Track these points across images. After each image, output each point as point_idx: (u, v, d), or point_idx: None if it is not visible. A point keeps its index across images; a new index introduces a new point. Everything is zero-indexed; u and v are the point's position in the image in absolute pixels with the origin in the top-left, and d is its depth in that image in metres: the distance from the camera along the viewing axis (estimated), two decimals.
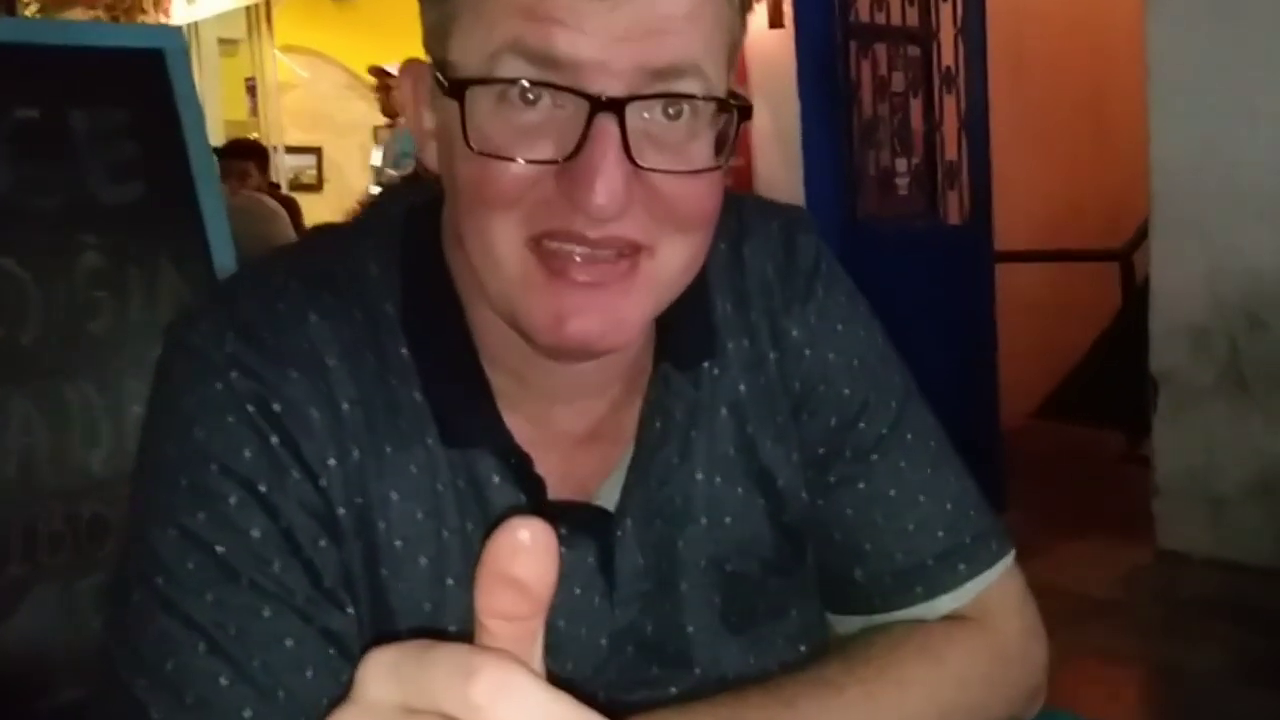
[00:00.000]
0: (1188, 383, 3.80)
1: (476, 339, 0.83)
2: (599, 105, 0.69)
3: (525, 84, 0.71)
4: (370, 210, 0.92)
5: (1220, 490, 3.75)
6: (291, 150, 9.71)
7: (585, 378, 0.85)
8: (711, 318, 0.91)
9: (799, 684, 0.86)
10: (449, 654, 0.41)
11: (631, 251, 0.74)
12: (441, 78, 0.74)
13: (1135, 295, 4.92)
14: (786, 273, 0.94)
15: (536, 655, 0.45)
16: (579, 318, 0.74)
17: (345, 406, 0.79)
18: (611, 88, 0.69)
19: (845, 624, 0.97)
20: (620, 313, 0.75)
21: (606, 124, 0.69)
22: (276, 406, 0.77)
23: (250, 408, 0.76)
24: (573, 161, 0.70)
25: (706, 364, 0.90)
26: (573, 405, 0.86)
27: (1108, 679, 3.17)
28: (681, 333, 0.88)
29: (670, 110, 0.72)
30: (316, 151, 9.81)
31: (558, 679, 0.43)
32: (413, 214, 0.87)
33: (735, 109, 0.75)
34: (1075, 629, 3.21)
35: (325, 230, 0.97)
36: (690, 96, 0.72)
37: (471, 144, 0.72)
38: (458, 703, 0.39)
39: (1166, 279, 3.85)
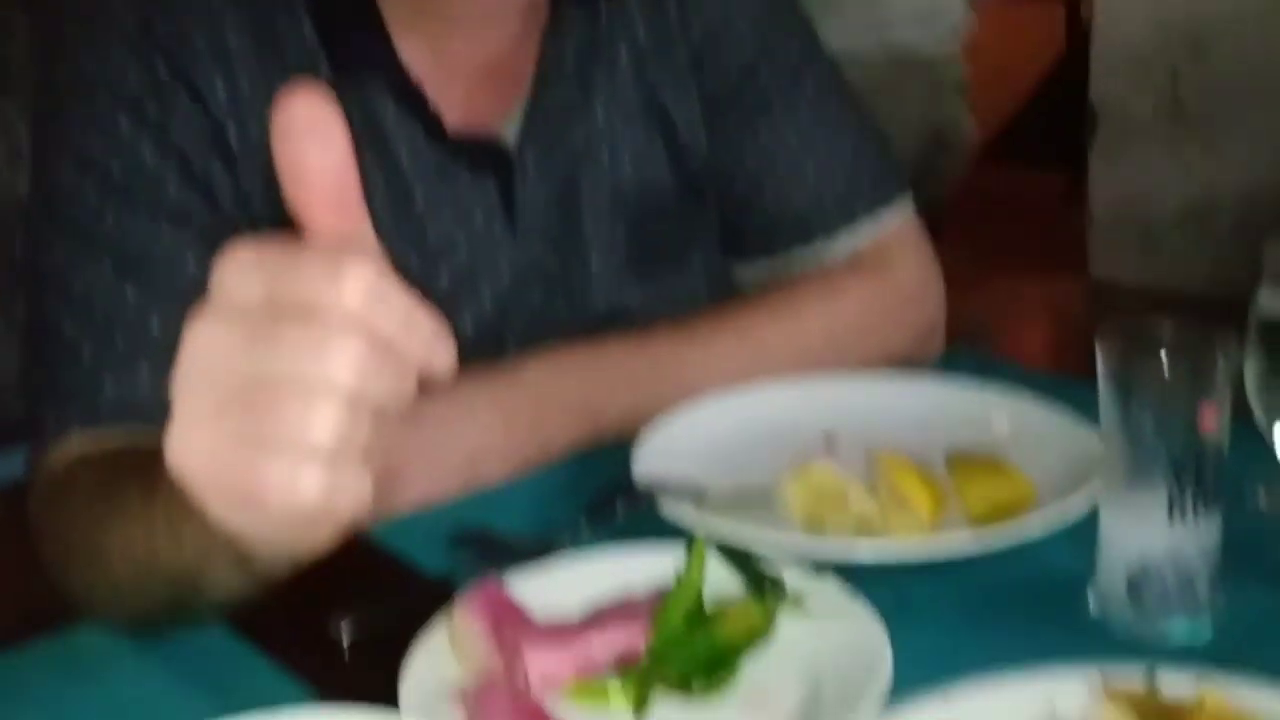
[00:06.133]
0: (1126, 114, 3.79)
1: None
2: None
3: None
4: None
5: (1155, 218, 3.79)
6: None
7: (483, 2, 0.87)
8: None
9: (702, 319, 0.91)
10: (317, 253, 0.41)
11: None
12: None
13: (1081, 38, 4.86)
14: None
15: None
16: None
17: (232, 39, 0.81)
18: None
19: (749, 274, 1.00)
20: None
21: None
22: (162, 30, 0.79)
23: (134, 33, 0.79)
24: None
25: (603, 1, 0.92)
26: (472, 34, 0.88)
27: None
28: None
29: None
30: None
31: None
32: None
33: None
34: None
35: None
36: None
37: None
38: (329, 301, 0.40)
39: (1111, 6, 3.78)
